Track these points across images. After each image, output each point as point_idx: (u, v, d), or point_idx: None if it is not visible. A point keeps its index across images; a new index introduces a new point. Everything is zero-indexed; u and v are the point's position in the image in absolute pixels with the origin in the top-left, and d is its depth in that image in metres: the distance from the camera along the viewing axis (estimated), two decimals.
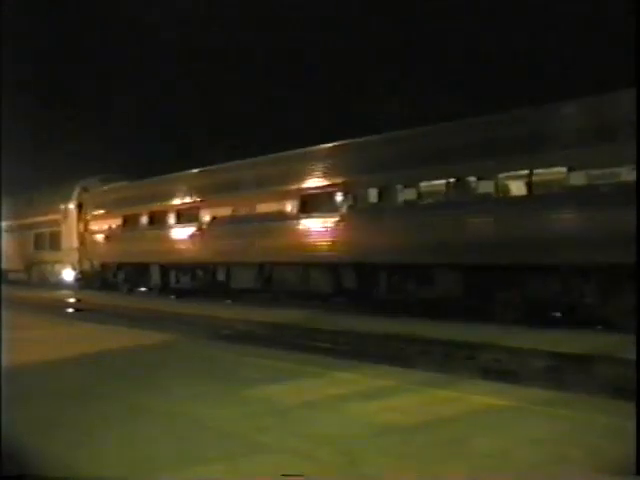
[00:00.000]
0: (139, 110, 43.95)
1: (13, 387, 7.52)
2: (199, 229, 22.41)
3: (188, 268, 23.93)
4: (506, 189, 14.34)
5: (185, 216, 23.35)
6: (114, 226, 27.49)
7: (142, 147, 41.82)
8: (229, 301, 21.91)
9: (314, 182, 18.45)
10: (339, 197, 17.61)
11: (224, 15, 42.11)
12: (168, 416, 6.48)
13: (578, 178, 12.93)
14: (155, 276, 25.49)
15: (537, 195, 13.63)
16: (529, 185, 13.81)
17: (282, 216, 19.24)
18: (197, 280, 23.69)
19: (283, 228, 19.19)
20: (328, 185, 17.93)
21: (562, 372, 9.81)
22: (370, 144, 17.71)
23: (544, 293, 13.78)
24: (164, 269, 25.04)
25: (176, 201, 23.73)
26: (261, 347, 11.50)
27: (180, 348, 11.35)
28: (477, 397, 6.86)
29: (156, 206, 24.73)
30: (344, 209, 17.42)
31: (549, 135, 13.47)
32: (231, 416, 6.37)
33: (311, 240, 18.28)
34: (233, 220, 21.03)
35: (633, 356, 9.02)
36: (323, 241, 17.94)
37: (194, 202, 22.82)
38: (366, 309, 16.93)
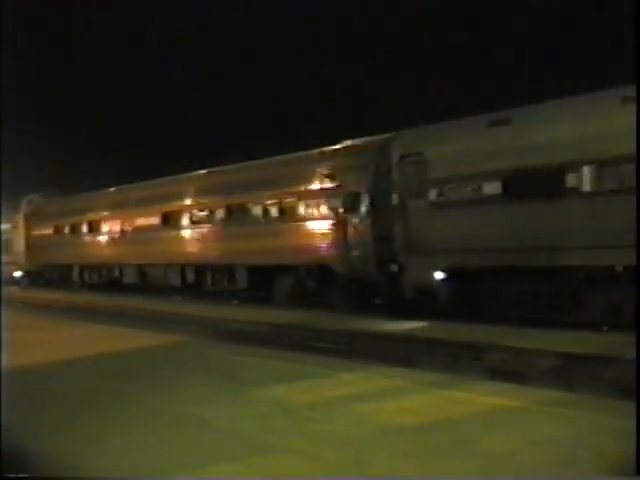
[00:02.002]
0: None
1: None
2: (98, 238, 28.59)
3: (95, 268, 30.11)
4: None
5: (92, 226, 29.51)
6: (47, 234, 33.67)
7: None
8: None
9: (168, 205, 24.55)
10: (182, 216, 23.73)
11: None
12: (178, 416, 6.86)
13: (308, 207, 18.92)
14: (75, 275, 31.68)
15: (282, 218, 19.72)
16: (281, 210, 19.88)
17: (149, 229, 25.35)
18: (101, 277, 29.83)
19: (150, 237, 25.27)
20: (171, 207, 24.12)
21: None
22: (184, 180, 24.25)
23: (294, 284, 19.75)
24: (81, 269, 31.24)
25: (83, 215, 30.00)
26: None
27: (185, 349, 11.99)
28: None
29: (72, 219, 30.97)
30: (182, 225, 23.59)
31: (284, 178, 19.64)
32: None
33: (166, 248, 24.35)
34: (121, 231, 27.13)
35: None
36: (172, 248, 24.00)
37: (95, 216, 29.00)
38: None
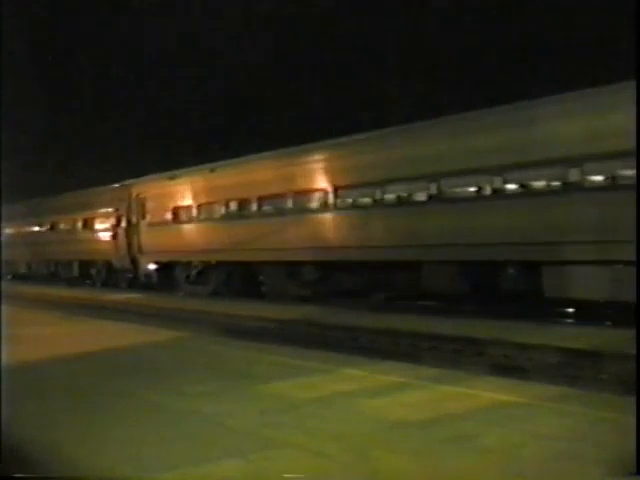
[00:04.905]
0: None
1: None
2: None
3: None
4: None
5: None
6: None
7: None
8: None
9: (43, 217, 35.07)
10: (47, 225, 34.22)
11: None
12: (181, 413, 6.82)
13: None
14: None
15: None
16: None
17: (32, 234, 35.84)
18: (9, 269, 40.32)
19: (31, 241, 35.76)
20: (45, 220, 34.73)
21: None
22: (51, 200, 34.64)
23: (97, 273, 30.12)
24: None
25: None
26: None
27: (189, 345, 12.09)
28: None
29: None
30: (45, 232, 34.12)
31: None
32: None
33: (39, 248, 34.83)
34: (33, 235, 37.66)
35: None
36: (41, 249, 34.48)
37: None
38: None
